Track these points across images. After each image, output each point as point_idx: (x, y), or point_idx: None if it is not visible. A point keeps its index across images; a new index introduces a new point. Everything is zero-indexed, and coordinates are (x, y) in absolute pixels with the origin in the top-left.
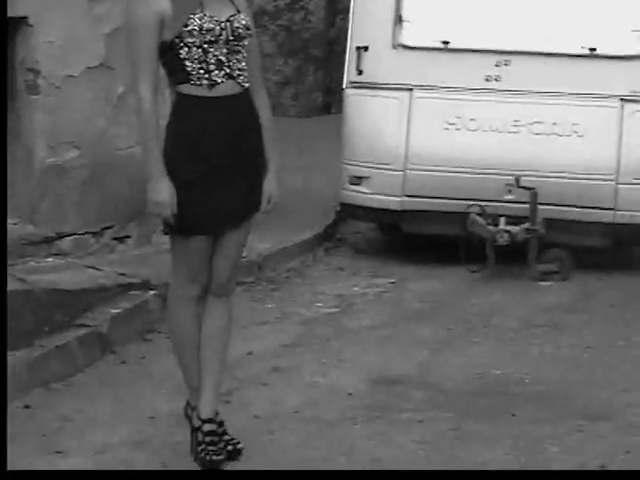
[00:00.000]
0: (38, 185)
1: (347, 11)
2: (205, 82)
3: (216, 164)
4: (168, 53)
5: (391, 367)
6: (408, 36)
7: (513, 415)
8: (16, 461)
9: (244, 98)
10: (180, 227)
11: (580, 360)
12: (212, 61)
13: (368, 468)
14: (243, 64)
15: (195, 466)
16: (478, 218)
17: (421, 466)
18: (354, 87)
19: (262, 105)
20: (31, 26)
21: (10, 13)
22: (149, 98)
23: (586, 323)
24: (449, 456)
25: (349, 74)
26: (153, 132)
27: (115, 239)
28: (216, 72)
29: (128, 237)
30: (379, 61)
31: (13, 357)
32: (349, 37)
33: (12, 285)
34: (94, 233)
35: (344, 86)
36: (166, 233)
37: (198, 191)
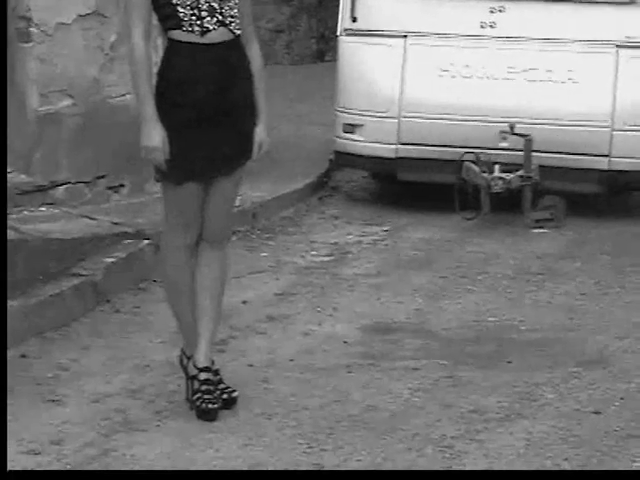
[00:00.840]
0: (31, 134)
1: None
2: (197, 29)
3: (207, 110)
4: None
5: (386, 315)
6: None
7: (508, 362)
8: (14, 411)
9: (236, 45)
10: (171, 174)
11: (574, 307)
12: (204, 7)
13: (364, 416)
14: (235, 11)
15: (189, 416)
16: (473, 166)
17: (415, 414)
18: (348, 34)
19: (254, 55)
20: None
21: None
22: (142, 44)
23: (580, 270)
24: (443, 403)
25: (343, 21)
26: (146, 78)
27: (109, 188)
28: (208, 19)
29: (122, 186)
30: (373, 8)
31: (8, 306)
32: None
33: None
34: (88, 182)
35: (338, 33)
36: (158, 180)
37: (189, 137)
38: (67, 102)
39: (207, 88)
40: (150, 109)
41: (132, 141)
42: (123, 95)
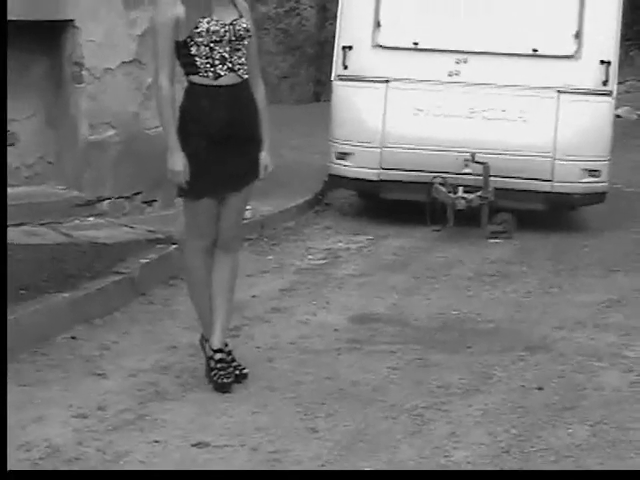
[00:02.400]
0: (82, 158)
1: (335, 17)
2: (211, 74)
3: (219, 140)
4: (182, 50)
5: (369, 308)
6: (384, 38)
7: (468, 347)
8: (66, 382)
9: (243, 87)
10: (190, 191)
11: (522, 303)
12: (217, 57)
13: (350, 389)
14: (243, 59)
15: (208, 388)
16: (441, 187)
17: (392, 388)
18: (340, 79)
19: (259, 93)
20: (77, 27)
21: (61, 17)
22: (167, 86)
23: (527, 273)
24: (415, 380)
25: (336, 69)
26: (169, 114)
27: (144, 202)
28: (220, 66)
29: (155, 201)
30: (361, 58)
31: (60, 297)
32: (336, 38)
33: (60, 239)
34: (127, 197)
35: (332, 79)
36: (180, 196)
37: (204, 162)
38: (111, 132)
39: (220, 121)
40: (173, 139)
41: (163, 165)
42: (156, 127)
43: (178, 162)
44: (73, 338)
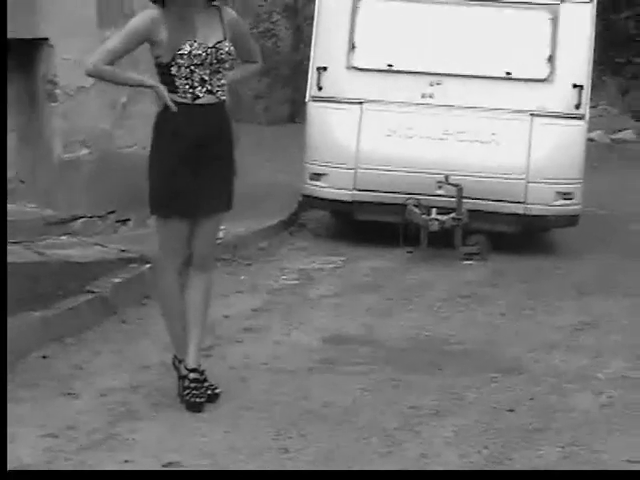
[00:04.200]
0: (55, 176)
1: (310, 39)
2: (189, 95)
3: (194, 158)
4: (162, 68)
5: (342, 328)
6: (359, 60)
7: (439, 369)
8: (37, 401)
9: (219, 108)
10: (161, 210)
11: (495, 325)
12: (197, 79)
13: (323, 411)
14: (222, 81)
15: (181, 408)
16: (414, 208)
17: (364, 409)
18: (315, 100)
19: (254, 65)
20: (51, 46)
21: (34, 35)
22: (99, 63)
23: (500, 295)
24: (388, 401)
25: (311, 90)
26: (117, 72)
27: (118, 221)
28: (199, 88)
29: (128, 220)
30: (335, 79)
31: (32, 316)
32: (311, 60)
33: (33, 257)
34: (101, 216)
35: (307, 100)
36: (152, 214)
37: (177, 180)
38: (85, 151)
39: (193, 138)
40: (136, 75)
41: (137, 183)
42: (130, 147)
43: (150, 79)
44: (45, 357)
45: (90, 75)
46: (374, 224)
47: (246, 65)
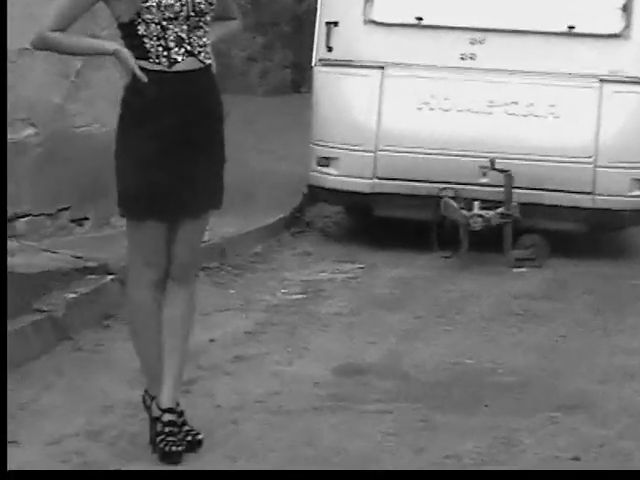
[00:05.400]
0: None
1: None
2: (164, 60)
3: (174, 143)
4: (126, 28)
5: (358, 356)
6: (380, 11)
7: (485, 406)
8: None
9: (205, 75)
10: (134, 210)
11: (554, 349)
12: (171, 38)
13: (334, 460)
14: (204, 40)
15: (152, 459)
16: (451, 202)
17: (387, 459)
18: (323, 65)
19: (231, 21)
20: None
21: None
22: (44, 31)
23: (560, 311)
24: (416, 448)
25: (318, 51)
26: (67, 40)
27: (72, 221)
28: (176, 49)
29: (86, 219)
30: (349, 37)
31: None
32: (318, 12)
33: None
34: (50, 214)
35: (313, 64)
36: (122, 215)
37: (152, 172)
38: (30, 131)
39: (173, 118)
40: (93, 41)
41: (97, 172)
42: (88, 125)
43: (112, 45)
44: None
45: (37, 48)
46: (399, 222)
47: (223, 23)
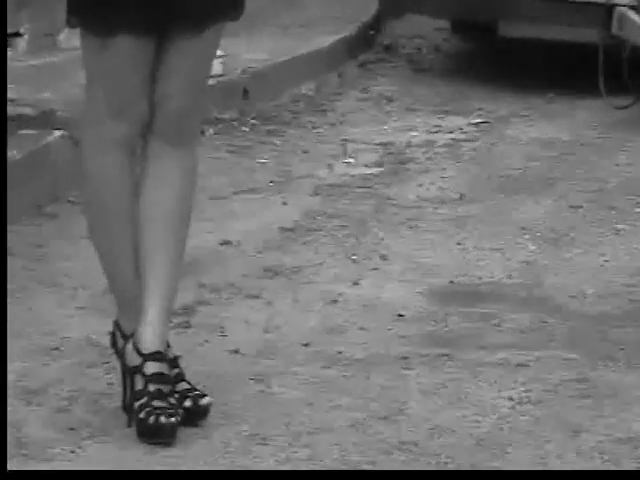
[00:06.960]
0: None
1: None
2: None
3: None
4: None
5: (471, 271)
6: None
7: None
8: None
9: None
10: (95, 17)
11: None
12: None
13: (426, 444)
14: None
15: (127, 437)
16: (631, 14)
17: (518, 443)
18: None
19: None
20: None
21: None
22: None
23: None
24: (566, 425)
25: None
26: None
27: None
28: None
29: (18, 35)
30: None
31: None
32: None
33: None
34: None
35: None
36: (73, 27)
37: None
38: None
39: None
40: None
41: None
42: None
43: None
44: None
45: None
46: (539, 49)
47: None
